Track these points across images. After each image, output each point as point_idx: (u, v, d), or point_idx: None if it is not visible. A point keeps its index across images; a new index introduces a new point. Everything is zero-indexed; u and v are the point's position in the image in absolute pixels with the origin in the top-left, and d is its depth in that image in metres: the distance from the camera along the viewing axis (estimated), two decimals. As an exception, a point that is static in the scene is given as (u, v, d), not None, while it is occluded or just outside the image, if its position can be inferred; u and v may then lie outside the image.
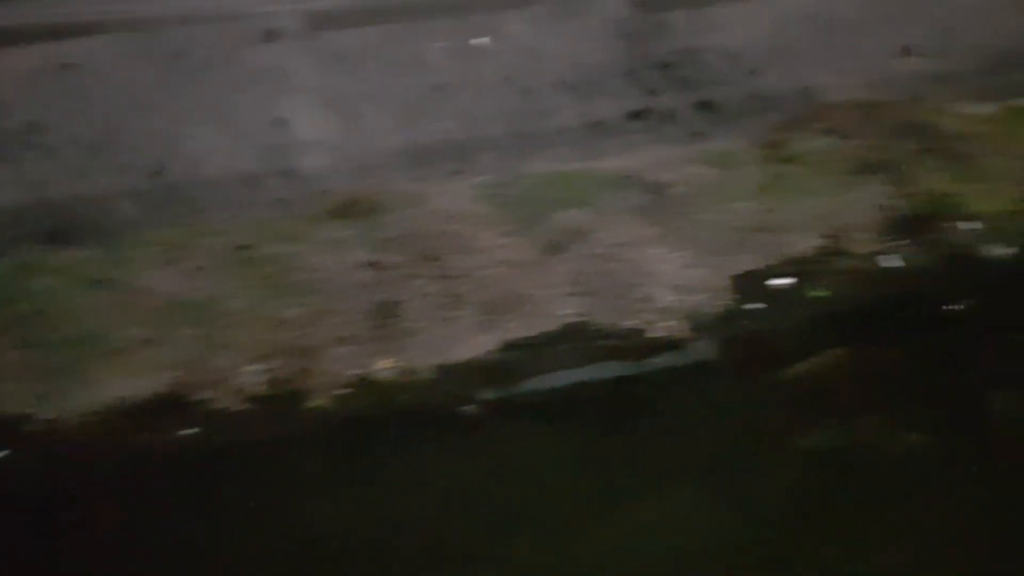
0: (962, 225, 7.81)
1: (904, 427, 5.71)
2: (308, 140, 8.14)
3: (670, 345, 6.71)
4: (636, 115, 9.13)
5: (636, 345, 6.76)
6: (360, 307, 6.74)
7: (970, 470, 5.34)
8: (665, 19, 9.50)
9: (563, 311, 6.93)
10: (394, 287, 6.90)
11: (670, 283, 7.16)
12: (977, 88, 9.91)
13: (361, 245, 7.26)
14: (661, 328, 6.82)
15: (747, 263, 7.41)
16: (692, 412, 6.32)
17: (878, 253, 7.59)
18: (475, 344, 6.63)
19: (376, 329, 6.60)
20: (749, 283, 7.22)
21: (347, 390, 6.25)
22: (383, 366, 6.38)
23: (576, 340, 6.79)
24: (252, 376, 6.20)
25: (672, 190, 8.31)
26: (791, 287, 7.22)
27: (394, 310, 6.73)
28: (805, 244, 7.71)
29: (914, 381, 6.24)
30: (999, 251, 7.49)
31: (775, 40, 9.69)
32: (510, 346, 6.64)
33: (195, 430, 5.88)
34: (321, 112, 8.36)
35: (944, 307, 6.88)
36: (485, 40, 9.25)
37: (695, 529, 5.42)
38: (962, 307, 6.84)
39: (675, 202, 8.16)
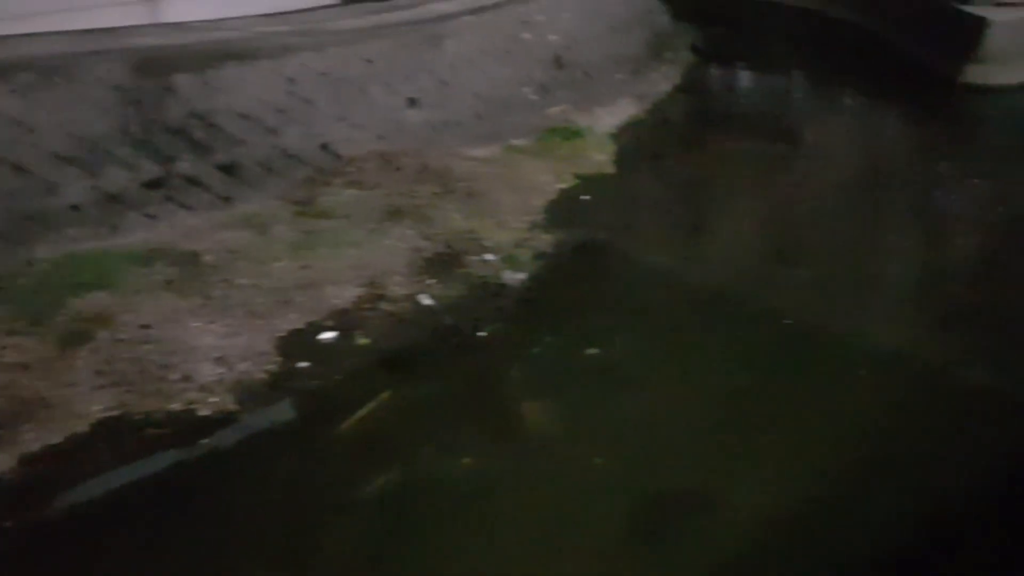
0: (482, 258, 8.50)
1: (455, 453, 5.98)
2: None
3: (220, 421, 6.34)
4: (155, 184, 8.64)
5: (182, 429, 6.28)
6: None
7: (509, 481, 5.75)
8: (171, 83, 9.12)
9: (92, 408, 6.22)
10: None
11: (212, 356, 6.79)
12: (479, 132, 11.02)
13: None
14: (208, 406, 6.42)
15: (291, 323, 7.32)
16: (253, 486, 6.01)
17: (414, 294, 7.93)
18: (-14, 466, 5.68)
19: None
20: (295, 342, 7.13)
21: None
22: None
23: (113, 438, 6.12)
24: None
25: (204, 259, 7.97)
26: (337, 339, 7.27)
27: None
28: (346, 295, 7.82)
29: (458, 407, 6.60)
30: (513, 277, 8.25)
31: (290, 99, 9.81)
32: (29, 459, 5.78)
33: None
34: None
35: (476, 334, 7.37)
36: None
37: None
38: (489, 331, 7.39)
39: (209, 271, 7.83)
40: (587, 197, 10.42)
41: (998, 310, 7.74)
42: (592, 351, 7.21)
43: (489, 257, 8.52)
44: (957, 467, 5.93)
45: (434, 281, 8.11)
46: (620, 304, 8.30)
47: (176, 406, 6.40)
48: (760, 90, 17.13)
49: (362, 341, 7.37)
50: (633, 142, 12.62)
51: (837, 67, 16.77)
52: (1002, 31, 13.37)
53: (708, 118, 14.78)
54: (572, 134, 11.70)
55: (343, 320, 7.56)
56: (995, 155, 11.45)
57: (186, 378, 6.59)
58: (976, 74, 13.34)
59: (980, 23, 13.50)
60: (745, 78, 17.96)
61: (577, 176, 10.82)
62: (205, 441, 6.21)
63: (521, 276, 8.35)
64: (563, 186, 10.55)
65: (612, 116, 12.74)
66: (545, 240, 9.04)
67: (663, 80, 14.62)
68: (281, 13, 12.35)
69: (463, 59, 11.21)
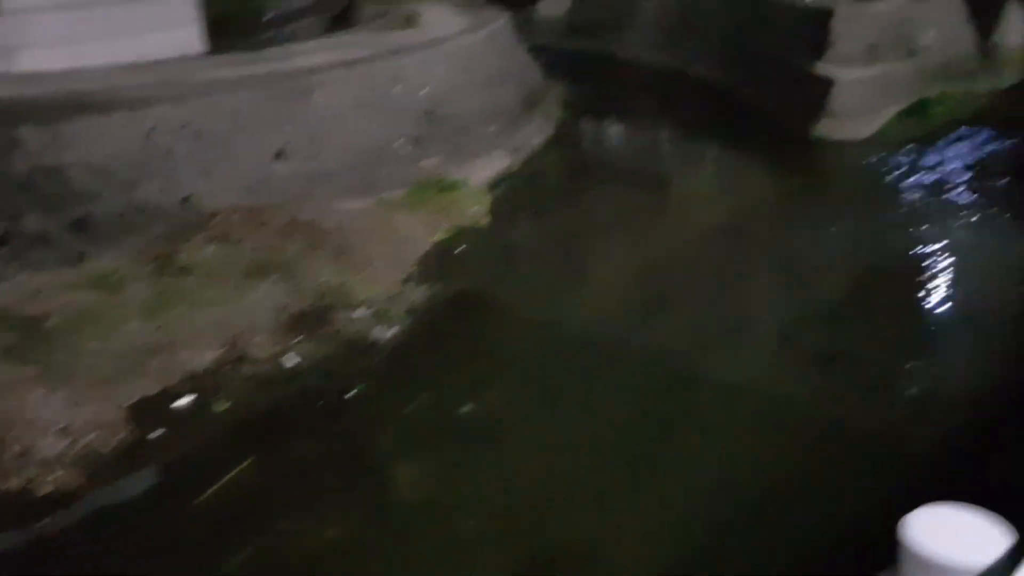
0: (352, 314, 8.25)
1: (321, 525, 5.65)
2: None
3: (62, 500, 5.83)
4: (-2, 243, 8.03)
5: (22, 511, 5.74)
6: None
7: (378, 553, 5.47)
8: (16, 136, 8.56)
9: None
10: None
11: (54, 428, 6.28)
12: (351, 185, 10.81)
13: None
14: (49, 483, 5.90)
15: (143, 389, 6.88)
16: (104, 569, 5.52)
17: (279, 354, 7.61)
18: None
19: None
20: (147, 410, 6.69)
21: None
22: None
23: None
24: None
25: (48, 322, 7.42)
26: (193, 406, 6.85)
27: None
28: (204, 357, 7.43)
29: (323, 474, 6.29)
30: (384, 333, 8.03)
31: (148, 152, 9.37)
32: None
33: None
34: None
35: (344, 395, 7.10)
36: None
37: None
38: (358, 391, 7.14)
39: (53, 335, 7.29)
40: (461, 249, 10.35)
41: (860, 352, 8.02)
42: (466, 408, 7.06)
43: (359, 313, 8.29)
44: (831, 504, 6.02)
45: (300, 340, 7.82)
46: (495, 357, 8.20)
47: (16, 484, 5.87)
48: (629, 143, 17.60)
49: (220, 407, 6.99)
50: (507, 194, 12.69)
51: (700, 122, 17.43)
52: (848, 89, 14.21)
53: (580, 170, 15.04)
54: (446, 186, 11.65)
55: (200, 385, 7.16)
56: (846, 205, 12.04)
57: (26, 452, 6.07)
58: (827, 129, 14.08)
59: (828, 81, 14.31)
60: (614, 132, 18.45)
61: (451, 228, 10.76)
62: (45, 523, 5.69)
63: (393, 331, 8.15)
64: (437, 238, 10.45)
65: (486, 168, 12.77)
66: (418, 294, 8.89)
67: (536, 133, 14.82)
68: (143, 64, 11.90)
69: (334, 111, 11.01)
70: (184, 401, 6.90)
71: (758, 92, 16.97)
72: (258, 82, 10.67)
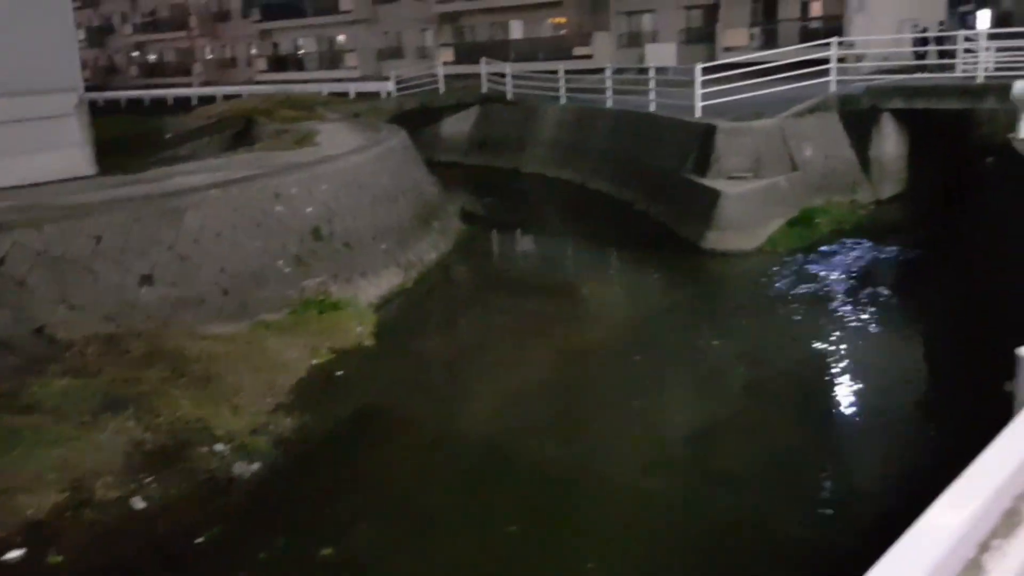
0: (212, 448, 7.70)
1: None
2: None
3: None
4: None
5: None
6: None
7: None
8: None
9: None
10: None
11: None
12: (224, 309, 10.36)
13: None
14: None
15: (-36, 543, 6.16)
16: None
17: (127, 496, 6.99)
18: None
19: None
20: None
21: None
22: None
23: None
24: None
25: None
26: (25, 558, 6.18)
27: None
28: (42, 503, 6.77)
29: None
30: (246, 469, 7.49)
31: (-1, 281, 8.80)
32: None
33: None
34: None
35: (194, 540, 6.49)
36: None
37: None
38: (210, 536, 6.55)
39: None
40: (342, 373, 9.93)
41: (753, 465, 7.80)
42: (327, 551, 6.51)
43: (219, 447, 7.74)
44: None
45: (152, 479, 7.22)
46: (367, 487, 7.70)
47: None
48: (528, 256, 17.60)
49: (56, 559, 6.31)
50: (397, 313, 12.40)
51: (597, 234, 17.64)
52: (734, 201, 14.54)
53: (477, 284, 14.91)
54: (330, 307, 11.30)
55: (35, 534, 6.48)
56: (737, 315, 12.09)
57: None
58: (715, 240, 14.32)
59: (715, 195, 14.64)
60: (515, 244, 18.50)
61: (333, 351, 10.35)
62: None
63: (255, 466, 7.60)
64: (316, 362, 10.02)
65: (375, 287, 12.50)
66: (287, 424, 8.39)
67: (431, 249, 14.69)
68: (4, 188, 11.44)
69: (208, 233, 10.65)
70: (15, 554, 6.22)
71: (653, 205, 17.30)
72: (126, 205, 10.28)
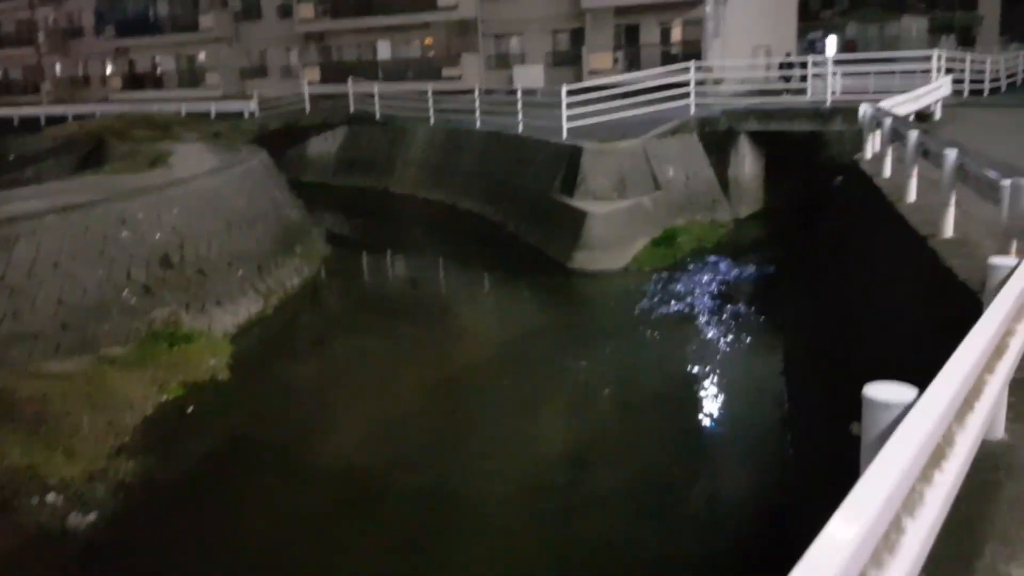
0: (43, 499, 7.04)
1: None
2: None
3: None
4: None
5: None
6: None
7: None
8: None
9: None
10: None
11: None
12: (63, 344, 9.60)
13: None
14: None
15: None
16: None
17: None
18: None
19: None
20: None
21: None
22: None
23: None
24: None
25: None
26: None
27: None
28: None
29: None
30: (81, 520, 6.87)
31: None
32: None
33: None
34: None
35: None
36: None
37: None
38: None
39: None
40: (193, 409, 9.35)
41: (623, 484, 7.73)
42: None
43: (51, 498, 7.08)
44: None
45: (-32, 537, 6.51)
46: (215, 536, 7.19)
47: None
48: (394, 278, 17.23)
49: None
50: (256, 342, 11.83)
51: (467, 256, 17.50)
52: (600, 222, 14.67)
53: (342, 309, 14.48)
54: (181, 339, 10.65)
55: None
56: (603, 337, 12.13)
57: None
58: (583, 260, 14.39)
59: (582, 215, 14.73)
60: (381, 266, 18.10)
61: (184, 386, 9.74)
62: None
63: (91, 518, 6.98)
64: (165, 399, 9.40)
65: (232, 316, 11.90)
66: (129, 468, 7.78)
67: (293, 274, 14.17)
68: None
69: (43, 263, 9.87)
70: None
71: (523, 226, 17.28)
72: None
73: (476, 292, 15.31)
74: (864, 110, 12.03)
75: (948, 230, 6.83)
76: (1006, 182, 5.24)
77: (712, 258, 14.89)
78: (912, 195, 8.36)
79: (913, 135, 8.30)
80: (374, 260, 18.18)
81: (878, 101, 12.53)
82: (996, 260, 3.70)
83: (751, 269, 14.38)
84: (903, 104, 12.81)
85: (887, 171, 9.92)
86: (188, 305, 11.32)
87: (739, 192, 17.64)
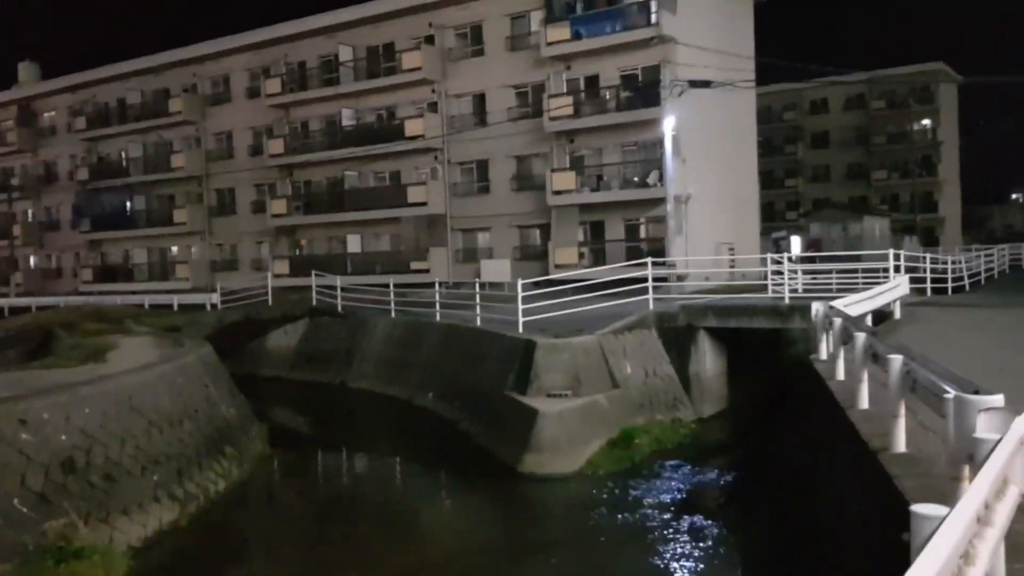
0: None
1: None
2: None
3: None
4: None
5: None
6: None
7: None
8: None
9: None
10: None
11: None
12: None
13: None
14: None
15: None
16: None
17: None
18: None
19: None
20: None
21: None
22: None
23: None
24: None
25: None
26: None
27: None
28: None
29: None
30: None
31: None
32: None
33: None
34: None
35: None
36: None
37: None
38: None
39: None
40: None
41: None
42: None
43: None
44: None
45: None
46: None
47: None
48: (333, 484, 15.89)
49: None
50: (162, 557, 10.62)
51: (414, 459, 16.43)
52: (552, 421, 13.85)
53: (268, 517, 13.28)
54: (72, 554, 9.50)
55: None
56: (549, 553, 11.02)
57: None
58: (533, 463, 13.45)
59: (533, 414, 13.95)
60: (321, 470, 16.83)
61: (61, 612, 8.54)
62: None
63: None
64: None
65: (139, 526, 10.78)
66: None
67: (219, 478, 13.09)
68: None
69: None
70: None
71: (476, 424, 16.42)
72: None
73: (417, 502, 13.94)
74: (816, 309, 11.62)
75: (899, 444, 6.11)
76: (950, 395, 4.57)
77: (672, 462, 13.98)
78: (864, 401, 7.69)
79: (861, 337, 7.75)
80: (315, 463, 17.06)
81: (837, 300, 12.17)
82: (920, 509, 2.93)
83: (711, 475, 13.44)
84: (859, 303, 12.44)
85: (840, 373, 9.32)
86: (89, 515, 10.25)
87: (701, 390, 16.99)
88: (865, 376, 7.72)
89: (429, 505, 13.76)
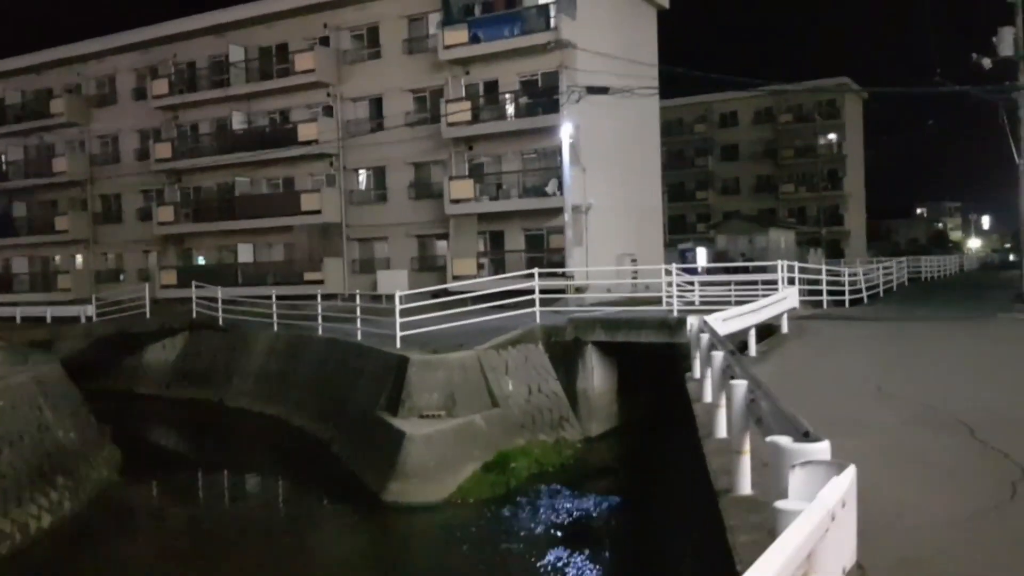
0: None
1: None
2: None
3: None
4: None
5: None
6: None
7: None
8: None
9: None
10: None
11: None
12: None
13: None
14: None
15: None
16: None
17: None
18: None
19: None
20: None
21: None
22: None
23: None
24: None
25: None
26: None
27: None
28: None
29: None
30: None
31: None
32: None
33: None
34: None
35: None
36: None
37: None
38: None
39: None
40: None
41: None
42: None
43: None
44: None
45: None
46: None
47: None
48: (182, 514, 14.18)
49: None
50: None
51: (278, 485, 15.23)
52: (422, 445, 12.80)
53: (100, 553, 11.81)
54: None
55: None
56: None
57: None
58: (399, 491, 12.35)
59: (400, 436, 12.88)
60: (172, 499, 14.94)
61: None
62: None
63: None
64: None
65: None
66: None
67: (45, 512, 11.62)
68: None
69: None
70: None
71: (347, 447, 15.21)
72: None
73: (270, 534, 12.57)
74: (691, 323, 10.87)
75: (744, 485, 5.26)
76: (771, 439, 3.71)
77: (550, 486, 13.05)
78: (721, 429, 6.87)
79: (718, 357, 6.94)
80: (168, 491, 15.54)
81: (716, 312, 11.44)
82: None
83: (590, 501, 12.53)
84: (739, 317, 11.74)
85: (708, 395, 8.53)
86: None
87: (589, 407, 16.12)
88: (723, 401, 6.90)
89: (282, 539, 12.38)
